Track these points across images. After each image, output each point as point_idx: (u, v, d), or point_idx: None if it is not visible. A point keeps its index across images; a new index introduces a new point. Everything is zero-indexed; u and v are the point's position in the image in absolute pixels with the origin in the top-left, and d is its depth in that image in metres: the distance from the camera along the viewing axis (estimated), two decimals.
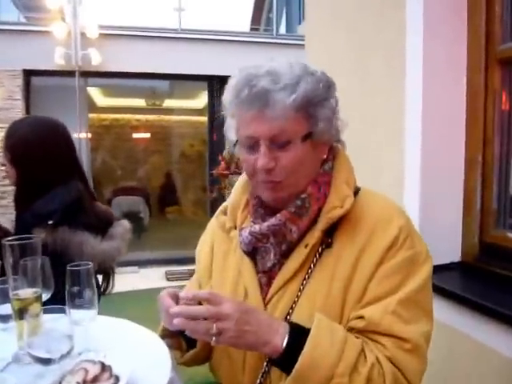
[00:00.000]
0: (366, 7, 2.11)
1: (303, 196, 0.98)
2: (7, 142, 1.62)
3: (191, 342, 1.09)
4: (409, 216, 1.02)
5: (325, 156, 1.03)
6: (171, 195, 9.16)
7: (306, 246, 0.98)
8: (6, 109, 5.68)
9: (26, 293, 1.02)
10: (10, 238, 1.05)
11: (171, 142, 9.31)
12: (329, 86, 0.99)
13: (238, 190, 1.15)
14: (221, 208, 1.20)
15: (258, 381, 0.98)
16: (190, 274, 5.05)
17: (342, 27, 2.31)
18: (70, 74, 5.92)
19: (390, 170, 1.94)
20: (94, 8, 6.06)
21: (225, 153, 5.74)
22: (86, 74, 6.14)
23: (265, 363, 0.97)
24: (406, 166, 1.84)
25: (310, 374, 0.85)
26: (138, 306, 4.35)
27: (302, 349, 0.86)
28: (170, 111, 9.12)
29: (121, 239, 1.69)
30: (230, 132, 1.05)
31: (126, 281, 5.32)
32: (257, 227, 1.00)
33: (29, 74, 6.04)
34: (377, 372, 0.87)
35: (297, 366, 0.86)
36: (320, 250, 0.98)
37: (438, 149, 1.77)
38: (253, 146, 0.96)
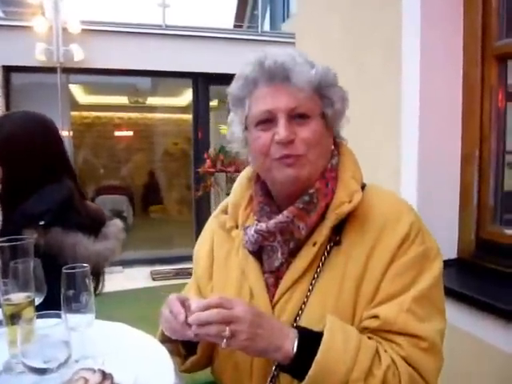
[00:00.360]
0: (361, 2, 2.08)
1: (311, 191, 0.96)
2: None
3: (190, 349, 1.05)
4: (417, 212, 1.00)
5: (332, 147, 1.01)
6: (155, 194, 9.05)
7: (315, 244, 0.95)
8: None
9: (19, 297, 0.96)
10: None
11: (155, 140, 9.19)
12: (335, 75, 0.99)
13: (239, 188, 1.12)
14: (220, 207, 1.16)
15: None
16: (176, 273, 5.04)
17: (336, 22, 2.29)
18: (51, 70, 5.78)
19: (386, 166, 1.93)
20: (76, 3, 5.93)
21: (210, 151, 5.70)
22: (68, 71, 6.00)
23: (273, 368, 0.93)
24: (402, 162, 1.83)
25: (323, 380, 0.82)
26: (125, 307, 4.29)
27: (313, 354, 0.83)
28: (153, 109, 9.00)
29: (115, 239, 1.63)
30: (235, 122, 1.03)
31: (110, 281, 5.20)
32: (263, 225, 0.96)
33: (8, 70, 5.88)
34: (392, 373, 0.84)
35: (310, 372, 0.82)
36: (328, 248, 0.95)
37: (434, 144, 1.76)
38: (269, 121, 0.95)
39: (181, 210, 8.75)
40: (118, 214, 7.84)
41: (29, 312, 0.95)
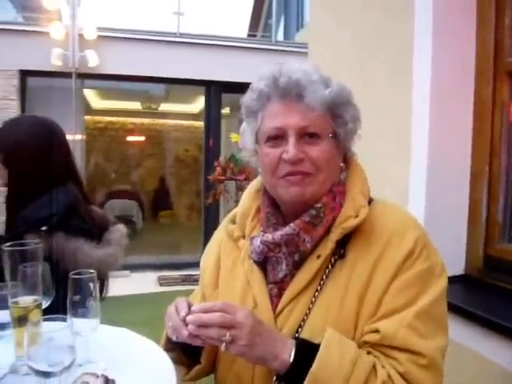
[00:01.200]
0: (372, 16, 2.09)
1: (318, 205, 0.96)
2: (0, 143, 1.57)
3: (193, 358, 1.05)
4: (424, 228, 1.00)
5: (341, 164, 1.02)
6: (165, 199, 9.10)
7: (319, 257, 0.95)
8: (2, 109, 5.60)
9: (26, 300, 0.98)
10: (9, 243, 1.01)
11: (166, 147, 9.27)
12: (351, 93, 1.00)
13: (247, 199, 1.12)
14: (229, 216, 1.16)
15: None
16: (183, 279, 5.04)
17: (346, 35, 2.30)
18: (66, 75, 5.87)
19: (394, 181, 1.92)
20: (92, 9, 6.03)
21: (221, 159, 5.72)
22: (83, 76, 6.09)
23: (274, 379, 0.93)
24: (411, 177, 1.82)
25: None
26: (130, 311, 4.31)
27: (309, 365, 0.84)
28: (165, 115, 9.08)
29: (117, 245, 1.63)
30: (246, 133, 1.04)
31: (116, 285, 5.24)
32: (269, 236, 0.97)
33: (25, 74, 5.98)
34: None
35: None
36: (333, 261, 0.95)
37: (443, 160, 1.75)
38: (280, 138, 0.95)
39: (190, 217, 8.79)
40: (128, 219, 7.90)
41: (36, 315, 0.97)
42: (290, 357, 0.85)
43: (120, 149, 8.99)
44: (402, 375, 0.85)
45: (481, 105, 1.72)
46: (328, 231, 0.96)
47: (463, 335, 1.57)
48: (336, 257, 0.95)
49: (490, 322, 1.47)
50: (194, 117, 8.53)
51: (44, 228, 1.40)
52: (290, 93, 0.94)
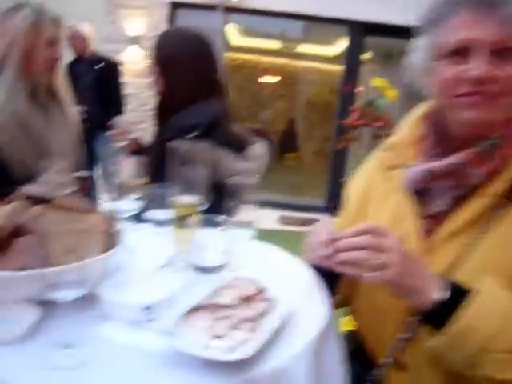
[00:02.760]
0: None
1: (495, 136, 0.83)
2: (157, 53, 1.63)
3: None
4: None
5: None
6: (292, 141, 9.13)
7: (487, 196, 0.83)
8: (152, 38, 5.93)
9: (186, 200, 1.01)
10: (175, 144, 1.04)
11: (298, 88, 9.16)
12: None
13: (407, 126, 1.02)
14: (382, 146, 1.08)
15: (406, 335, 0.89)
16: (303, 222, 5.04)
17: None
18: (213, 8, 5.98)
19: None
20: None
21: (359, 103, 5.49)
22: (228, 10, 6.14)
23: (411, 315, 0.87)
24: None
25: (465, 340, 0.74)
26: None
27: (454, 309, 0.75)
28: (301, 56, 8.89)
29: (258, 160, 1.67)
30: (421, 48, 0.91)
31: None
32: (434, 164, 0.87)
33: (175, 6, 6.20)
34: None
35: (455, 326, 0.75)
36: (504, 203, 0.83)
37: None
38: (463, 53, 0.82)
39: (315, 161, 8.75)
40: None
41: (194, 216, 0.99)
42: (437, 295, 0.77)
43: (253, 87, 9.10)
44: None
45: None
46: (502, 168, 0.83)
47: None
48: (509, 200, 0.82)
49: None
50: (330, 60, 8.25)
51: (190, 136, 1.45)
52: (484, 1, 0.79)
